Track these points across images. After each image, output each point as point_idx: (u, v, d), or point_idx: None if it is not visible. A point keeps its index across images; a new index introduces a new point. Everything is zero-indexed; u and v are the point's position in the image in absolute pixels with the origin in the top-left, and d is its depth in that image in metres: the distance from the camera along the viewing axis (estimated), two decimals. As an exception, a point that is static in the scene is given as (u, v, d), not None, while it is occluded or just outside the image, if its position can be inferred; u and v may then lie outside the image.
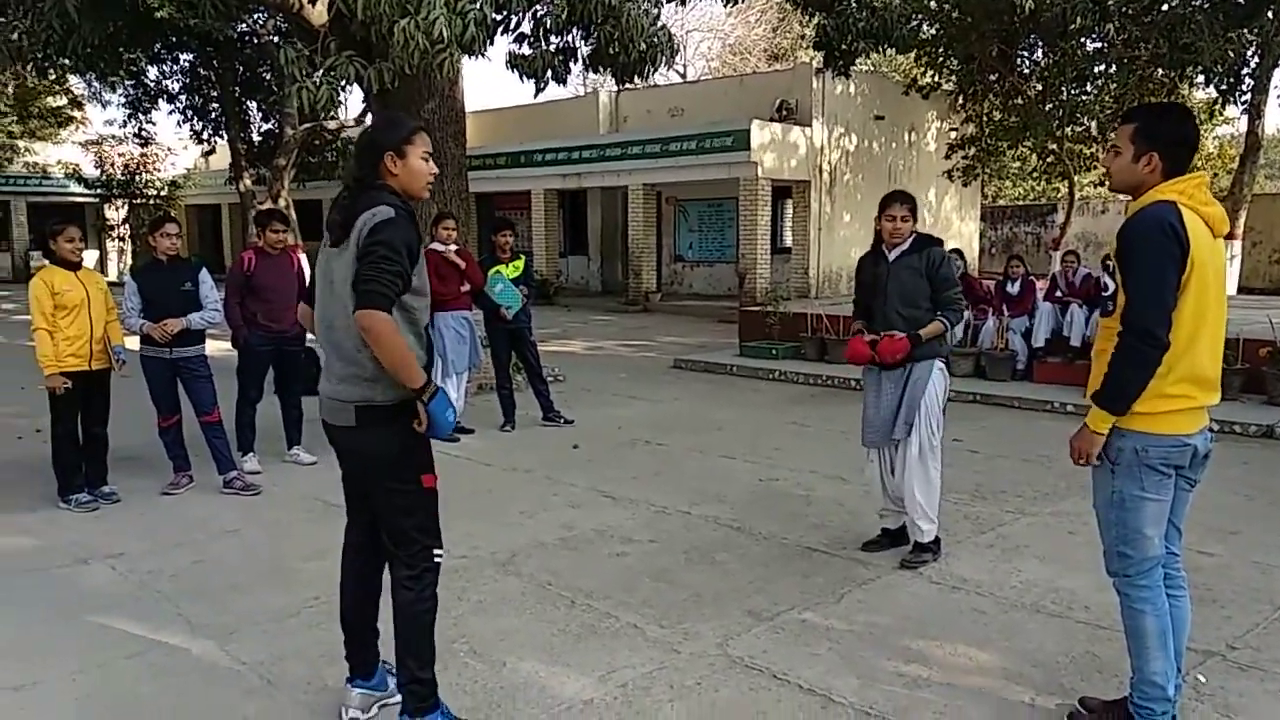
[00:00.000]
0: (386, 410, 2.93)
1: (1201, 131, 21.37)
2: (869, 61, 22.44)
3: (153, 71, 21.49)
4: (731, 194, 19.23)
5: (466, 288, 7.58)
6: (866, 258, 4.88)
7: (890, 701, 3.33)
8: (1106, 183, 3.10)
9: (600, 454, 7.13)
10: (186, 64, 21.34)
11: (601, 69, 8.84)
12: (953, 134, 20.94)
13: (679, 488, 6.13)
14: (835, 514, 5.57)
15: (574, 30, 8.38)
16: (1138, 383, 2.81)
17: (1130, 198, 2.98)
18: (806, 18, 12.62)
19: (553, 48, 8.45)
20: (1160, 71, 17.33)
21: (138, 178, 29.40)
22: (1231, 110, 18.44)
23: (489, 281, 7.67)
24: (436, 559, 3.08)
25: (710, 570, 4.66)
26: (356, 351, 2.90)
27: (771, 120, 18.74)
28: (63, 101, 28.78)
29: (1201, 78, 17.35)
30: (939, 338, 4.67)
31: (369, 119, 10.36)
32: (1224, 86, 17.17)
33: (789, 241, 20.32)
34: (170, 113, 22.72)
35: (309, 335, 6.82)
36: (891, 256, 4.71)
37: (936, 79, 19.76)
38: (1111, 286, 2.98)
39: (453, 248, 7.44)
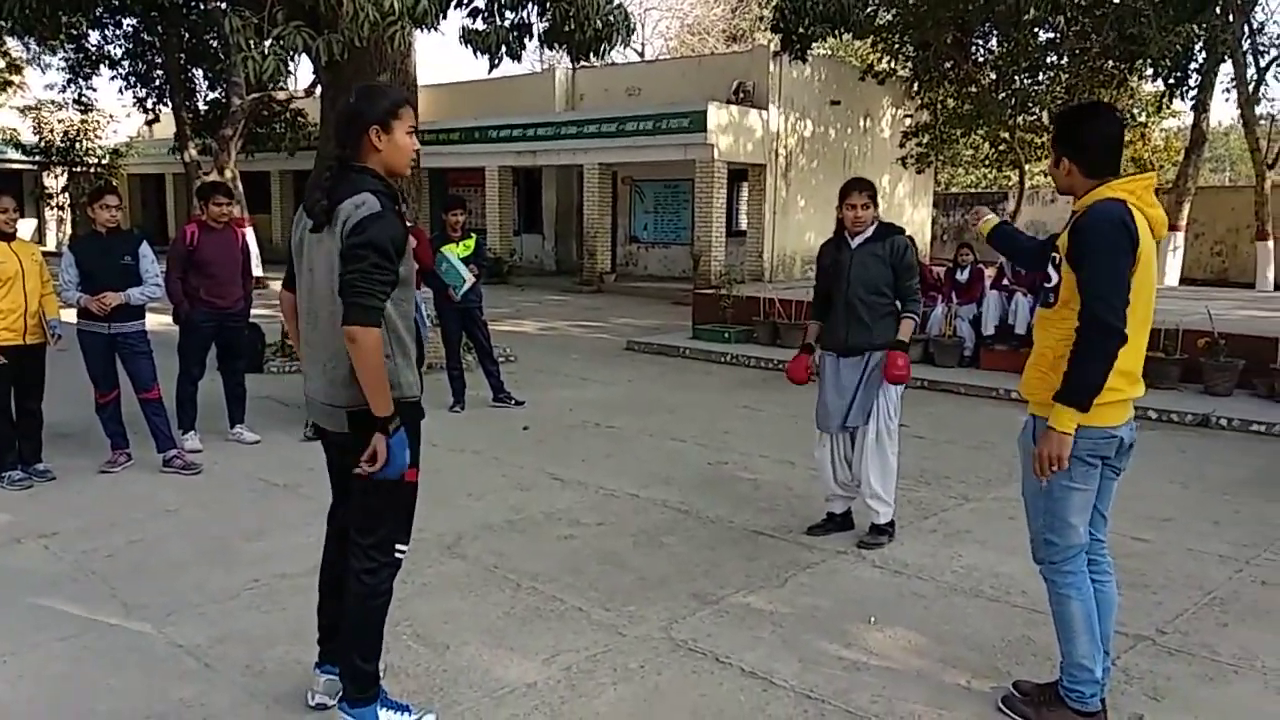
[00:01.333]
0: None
1: (1150, 124, 21.86)
2: (826, 46, 22.52)
3: (94, 36, 20.87)
4: (687, 175, 19.22)
5: (416, 267, 7.49)
6: (828, 244, 4.90)
7: (830, 684, 3.37)
8: (1056, 187, 3.18)
9: (550, 436, 7.11)
10: (130, 29, 20.73)
11: (557, 46, 8.75)
12: (907, 121, 21.12)
13: (628, 470, 6.13)
14: (782, 498, 5.61)
15: (529, 6, 8.29)
16: (1102, 376, 2.85)
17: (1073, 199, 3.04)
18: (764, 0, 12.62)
19: (507, 23, 8.34)
20: (1110, 63, 17.62)
21: (78, 145, 28.54)
22: (1179, 104, 18.83)
23: (436, 261, 7.57)
24: (399, 554, 3.01)
25: (657, 553, 4.67)
26: (344, 351, 2.76)
27: (729, 102, 18.74)
28: (0, 65, 27.81)
29: (1150, 70, 17.68)
30: (898, 327, 4.72)
31: (319, 91, 10.13)
32: (1171, 80, 17.51)
33: (744, 225, 20.38)
34: (112, 79, 22.13)
35: (252, 311, 6.74)
36: (854, 244, 4.74)
37: (892, 65, 19.89)
38: (1055, 279, 3.01)
39: (404, 225, 7.35)
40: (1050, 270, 3.05)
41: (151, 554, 4.55)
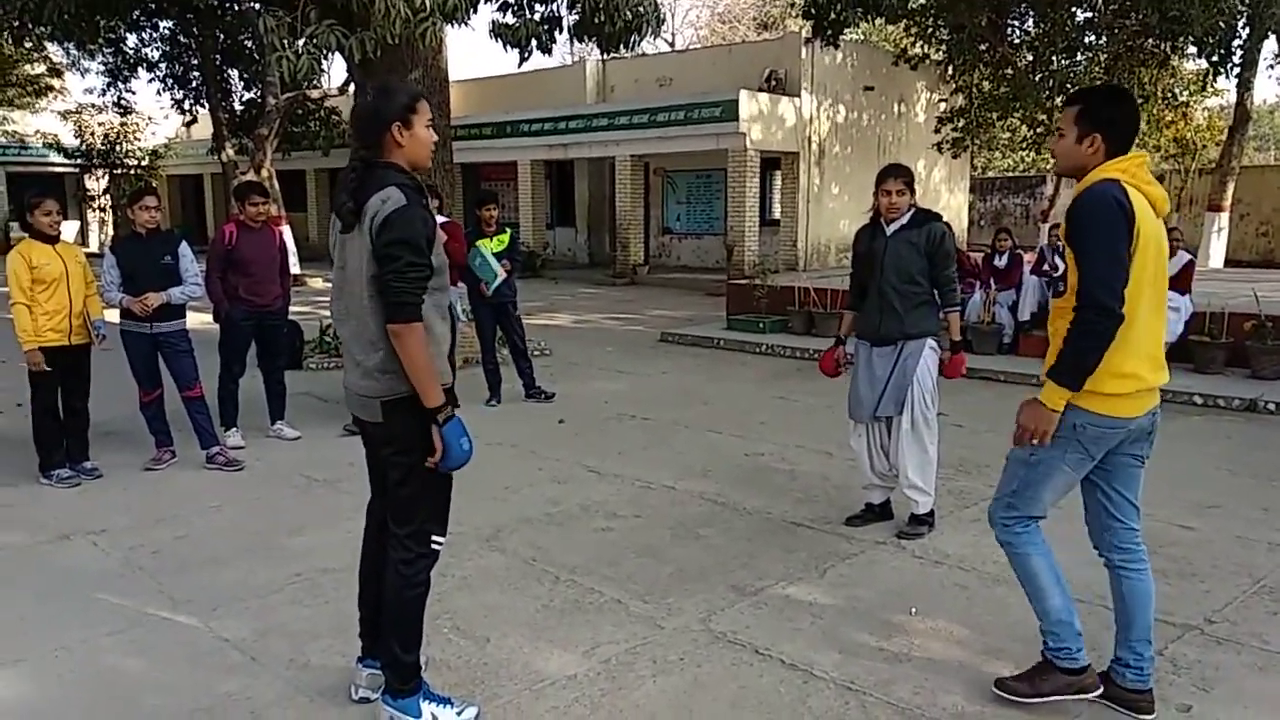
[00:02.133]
0: (413, 400, 2.84)
1: (1191, 103, 21.42)
2: (858, 31, 22.30)
3: (132, 39, 21.22)
4: (720, 165, 19.13)
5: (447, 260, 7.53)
6: (864, 230, 4.83)
7: (871, 675, 3.35)
8: (1053, 165, 3.10)
9: (586, 428, 7.12)
10: (166, 31, 21.06)
11: (587, 38, 8.74)
12: (942, 105, 20.85)
13: (665, 462, 6.13)
14: (820, 488, 5.58)
15: (559, -2, 8.29)
16: (1094, 357, 2.80)
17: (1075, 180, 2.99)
18: (795, -13, 12.52)
19: (537, 16, 8.35)
20: (1150, 42, 17.26)
21: (118, 147, 29.06)
22: (1222, 82, 18.41)
23: (470, 256, 7.59)
24: (435, 546, 3.03)
25: (694, 545, 4.67)
26: (379, 342, 2.83)
27: (760, 90, 18.61)
28: (41, 70, 28.34)
29: (1193, 49, 17.29)
30: (933, 316, 4.67)
31: (352, 89, 10.22)
32: (1215, 58, 17.11)
33: (777, 214, 20.26)
34: (150, 81, 22.46)
35: (290, 308, 6.81)
36: (890, 230, 4.67)
37: (926, 49, 19.64)
38: (1062, 267, 2.97)
39: (440, 219, 7.38)
40: (1058, 259, 3.01)
41: (197, 549, 4.62)
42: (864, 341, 4.80)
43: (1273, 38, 17.06)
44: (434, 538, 3.02)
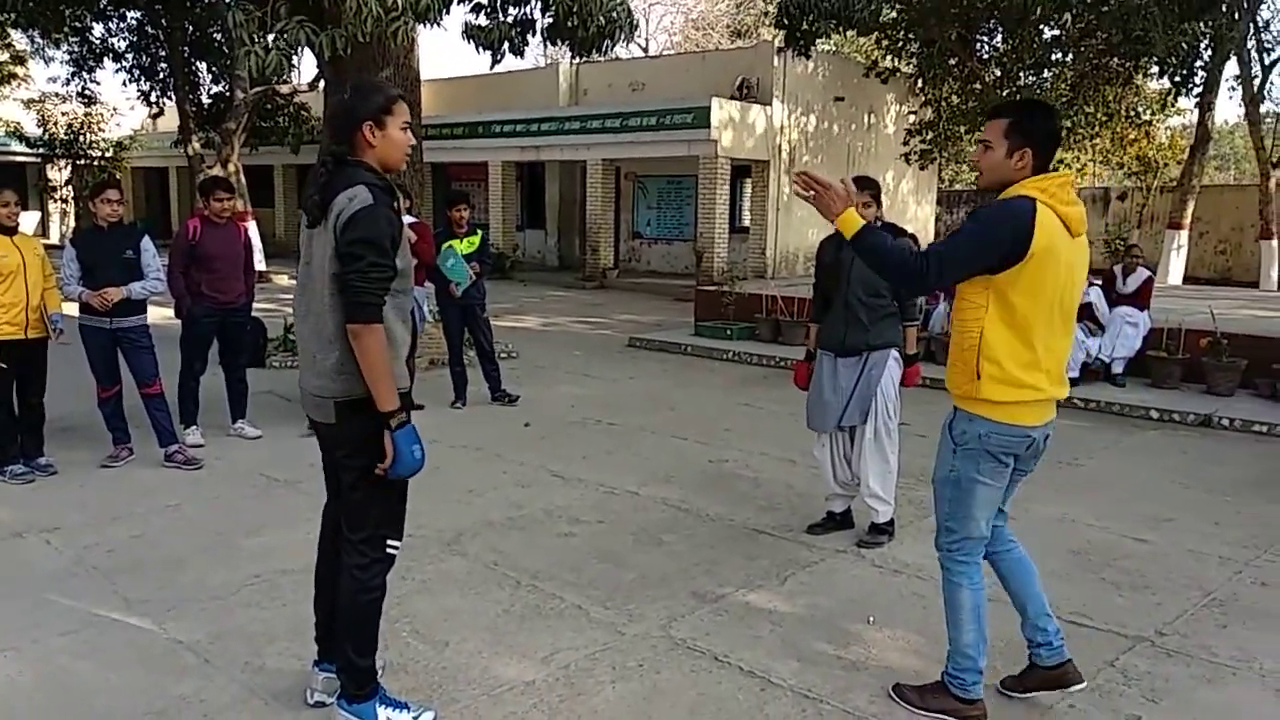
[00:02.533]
0: (367, 402, 2.80)
1: (1155, 122, 21.78)
2: (830, 42, 22.48)
3: (98, 28, 20.88)
4: (690, 171, 19.19)
5: (415, 261, 7.49)
6: (829, 241, 4.78)
7: (828, 684, 3.38)
8: (977, 179, 3.16)
9: (551, 432, 7.11)
10: (133, 21, 20.75)
11: (560, 42, 8.74)
12: (911, 117, 21.06)
13: (629, 468, 6.13)
14: (783, 496, 5.61)
15: (532, 2, 8.28)
16: (887, 264, 2.98)
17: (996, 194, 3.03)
18: (769, -4, 12.60)
19: (510, 19, 8.33)
20: (1115, 60, 17.56)
21: (82, 138, 28.54)
22: (1184, 102, 18.78)
23: (440, 256, 7.55)
24: (390, 550, 3.01)
25: (656, 551, 4.67)
26: (335, 342, 2.81)
27: (732, 98, 18.69)
28: (3, 57, 27.80)
29: (1155, 69, 17.62)
30: (896, 328, 4.73)
31: (323, 85, 10.14)
32: (1177, 78, 17.46)
33: (747, 221, 20.35)
34: (116, 71, 22.13)
35: (254, 305, 6.73)
36: None
37: (896, 63, 19.85)
38: None
39: (409, 219, 7.33)
40: None
41: (153, 549, 4.56)
42: (828, 352, 4.81)
43: (1234, 59, 17.39)
44: (389, 542, 3.00)
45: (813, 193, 3.00)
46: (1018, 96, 18.29)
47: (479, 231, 7.90)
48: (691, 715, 3.17)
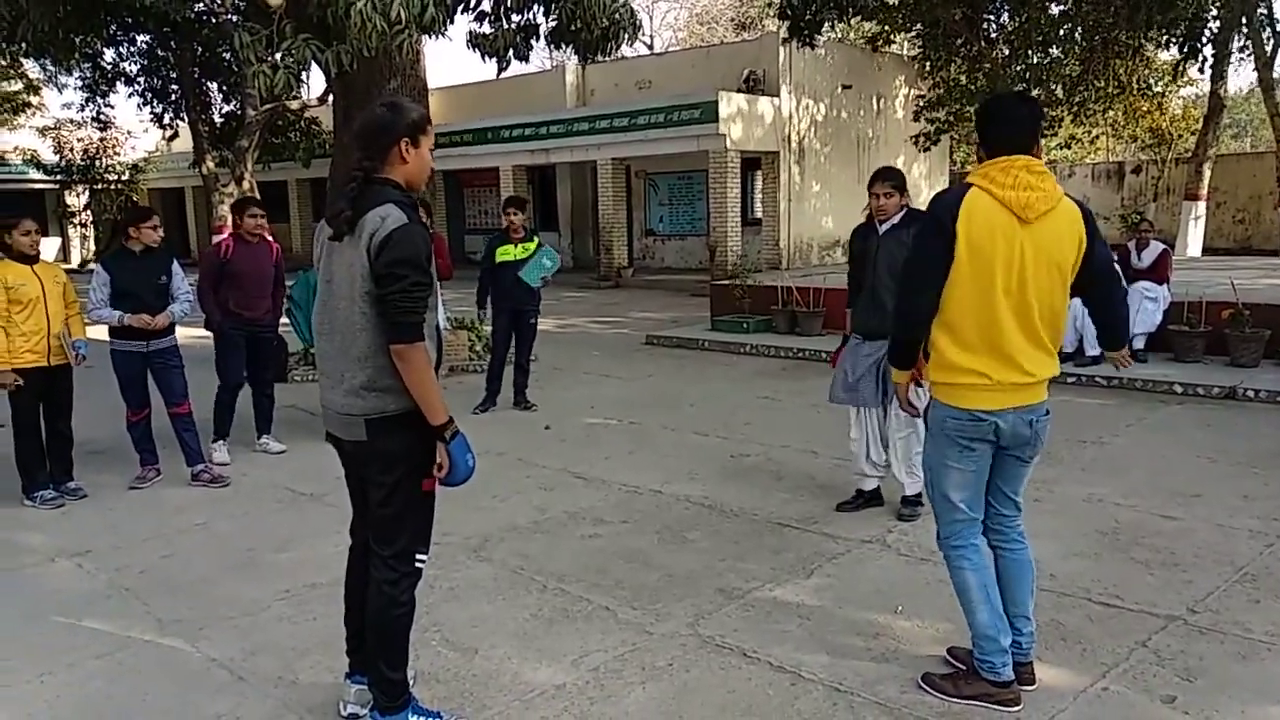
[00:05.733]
0: (398, 418, 2.84)
1: (1167, 93, 21.54)
2: (835, 30, 22.37)
3: (109, 54, 21.07)
4: (701, 166, 19.16)
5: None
6: (858, 230, 5.06)
7: (858, 676, 3.37)
8: None
9: (572, 434, 7.13)
10: (144, 45, 20.91)
11: (564, 46, 8.75)
12: (919, 100, 20.95)
13: (651, 467, 6.14)
14: (806, 488, 5.60)
15: (535, 7, 8.28)
16: (890, 329, 3.26)
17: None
18: (771, -13, 12.56)
19: (513, 25, 8.34)
20: (1124, 34, 17.40)
21: (98, 162, 28.89)
22: (1195, 72, 18.58)
23: (530, 267, 7.45)
24: (419, 564, 3.03)
25: (682, 549, 4.68)
26: (366, 360, 2.82)
27: (739, 91, 18.65)
28: (18, 87, 28.14)
29: (1164, 39, 17.45)
30: None
31: (331, 100, 10.20)
32: (1185, 49, 17.28)
33: (760, 213, 20.31)
34: (129, 95, 22.36)
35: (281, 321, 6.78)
36: (882, 230, 4.87)
37: (897, 40, 19.78)
38: None
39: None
40: None
41: (183, 568, 4.61)
42: (858, 336, 4.97)
43: (1244, 27, 17.18)
44: (418, 556, 3.02)
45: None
46: (1027, 75, 18.19)
47: (535, 237, 7.78)
48: (722, 713, 3.18)
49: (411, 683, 3.13)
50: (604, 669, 3.48)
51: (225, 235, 6.45)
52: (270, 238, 6.60)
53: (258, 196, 17.32)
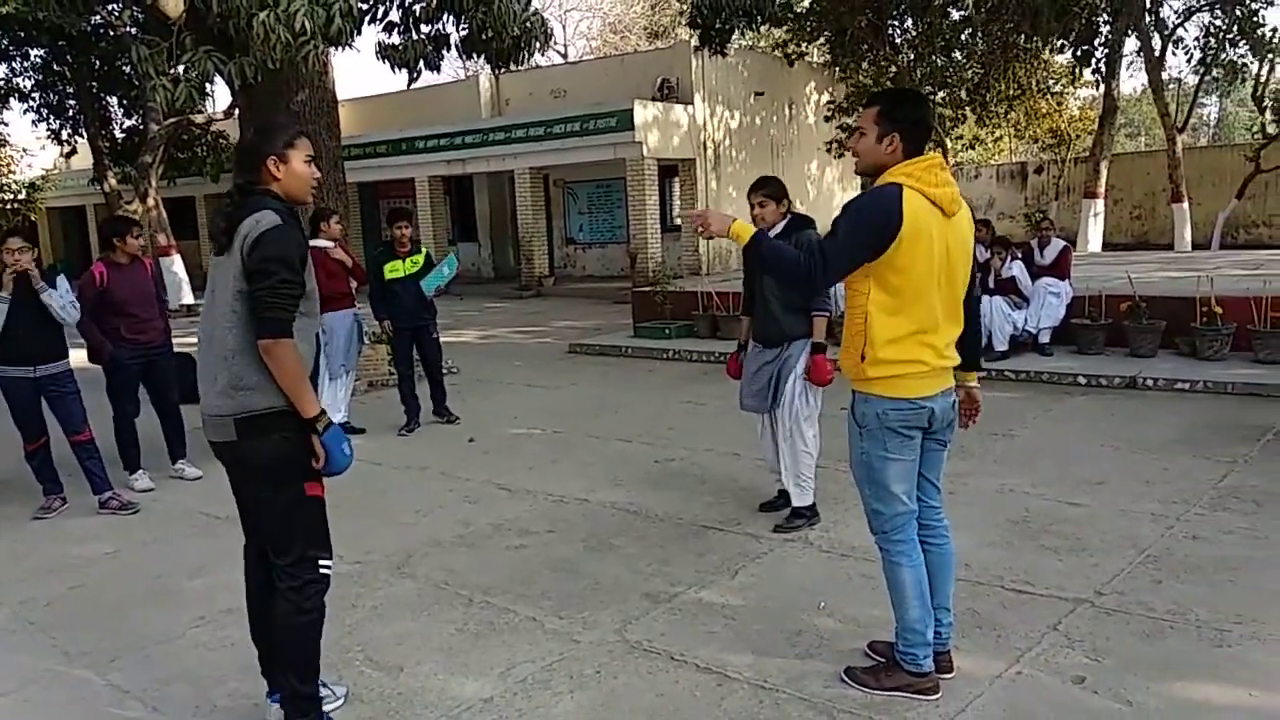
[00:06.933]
0: (266, 418, 2.87)
1: (1065, 94, 22.35)
2: (745, 37, 22.68)
3: (1, 69, 20.26)
4: (619, 174, 19.24)
5: (353, 284, 7.39)
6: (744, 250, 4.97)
7: (783, 673, 3.43)
8: (855, 165, 3.29)
9: (496, 446, 7.08)
10: (38, 59, 20.18)
11: (476, 55, 8.71)
12: (830, 106, 21.39)
13: (576, 475, 6.14)
14: (729, 490, 5.67)
15: (445, 17, 8.23)
16: (779, 269, 3.14)
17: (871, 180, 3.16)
18: (681, -4, 12.67)
19: (423, 35, 8.28)
20: (1022, 39, 18.04)
21: (-8, 182, 27.69)
22: (1089, 74, 19.32)
23: (430, 276, 7.35)
24: (323, 570, 3.02)
25: (608, 556, 4.69)
26: (232, 358, 2.85)
27: (654, 99, 18.79)
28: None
29: (1058, 43, 18.15)
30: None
31: (238, 113, 9.97)
32: (1079, 53, 17.98)
33: (678, 220, 20.46)
34: (25, 112, 21.53)
35: (175, 340, 6.57)
36: None
37: (808, 48, 20.16)
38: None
39: (331, 244, 7.21)
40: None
41: (92, 599, 4.45)
42: (756, 344, 5.02)
43: (1132, 33, 17.96)
44: (321, 561, 3.02)
45: (699, 227, 3.18)
46: (933, 78, 18.73)
47: (423, 250, 7.68)
48: (651, 718, 3.19)
49: (342, 702, 3.09)
50: (531, 680, 3.46)
51: (97, 264, 6.13)
52: (165, 253, 6.40)
53: (152, 214, 16.82)
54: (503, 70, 8.96)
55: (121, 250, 6.08)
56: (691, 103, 19.16)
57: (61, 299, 5.56)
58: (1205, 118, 41.41)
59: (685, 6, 13.60)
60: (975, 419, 3.48)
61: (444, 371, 8.08)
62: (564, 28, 39.53)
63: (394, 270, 7.45)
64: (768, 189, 4.80)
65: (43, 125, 21.43)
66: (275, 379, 2.83)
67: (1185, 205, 19.15)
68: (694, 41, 17.84)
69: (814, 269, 2.99)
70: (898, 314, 3.01)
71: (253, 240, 2.80)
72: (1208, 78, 20.10)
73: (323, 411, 2.90)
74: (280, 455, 2.90)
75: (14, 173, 28.07)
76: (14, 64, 20.26)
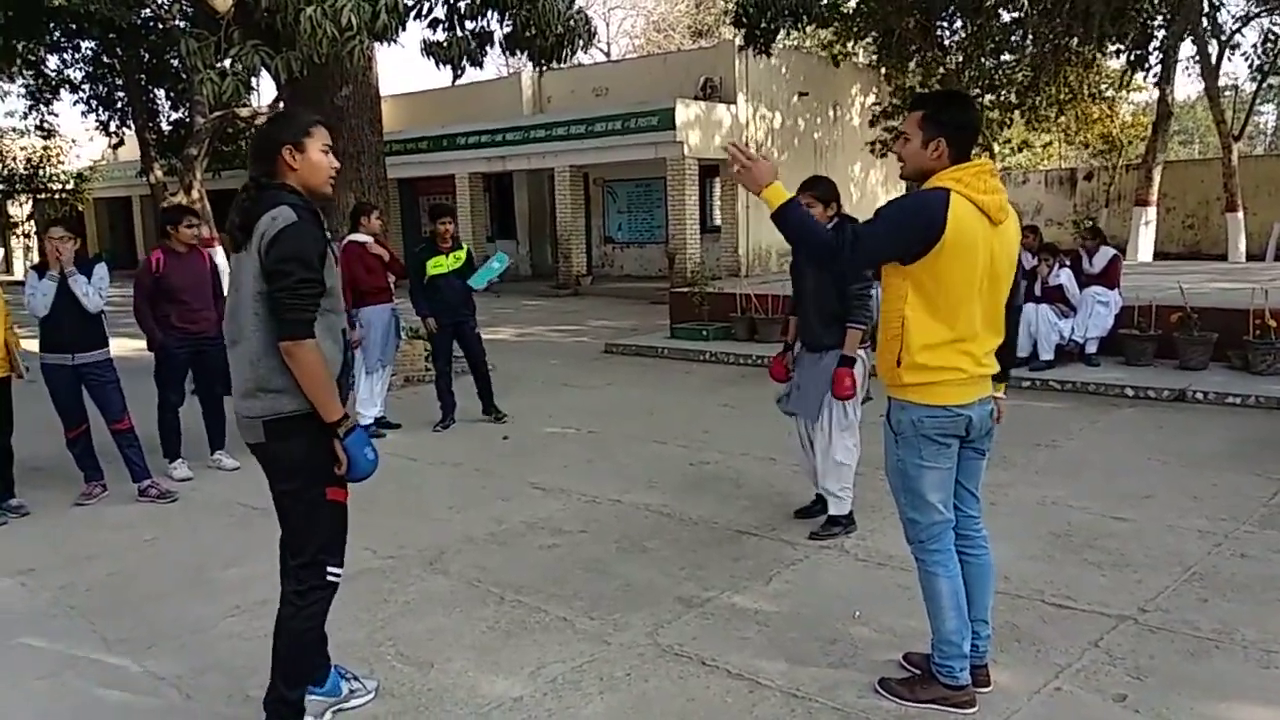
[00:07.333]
0: (294, 420, 2.83)
1: (1117, 100, 22.02)
2: (790, 37, 22.56)
3: (53, 61, 20.70)
4: (659, 174, 19.21)
5: (391, 279, 7.44)
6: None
7: (816, 682, 3.37)
8: (900, 169, 3.21)
9: (531, 444, 7.08)
10: (89, 52, 20.57)
11: (519, 52, 8.72)
12: (875, 108, 21.20)
13: (610, 475, 6.12)
14: (765, 495, 5.61)
15: (489, 14, 8.25)
16: (806, 240, 3.03)
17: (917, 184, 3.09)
18: (726, -5, 12.63)
19: (468, 32, 8.30)
20: (1075, 42, 17.75)
21: (41, 171, 28.27)
22: (1142, 79, 19.00)
23: (478, 274, 7.39)
24: (330, 578, 2.98)
25: (641, 558, 4.66)
26: (259, 361, 2.81)
27: (696, 98, 18.74)
28: (-41, 94, 27.47)
29: (1113, 48, 17.83)
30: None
31: (282, 107, 10.08)
32: (1133, 58, 17.65)
33: (718, 220, 20.39)
34: (75, 103, 21.98)
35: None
36: None
37: (854, 49, 20.02)
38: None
39: (370, 239, 7.25)
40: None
41: (130, 586, 4.50)
42: (803, 345, 4.94)
43: (1190, 37, 17.61)
44: (329, 569, 2.97)
45: (738, 166, 3.04)
46: (980, 81, 18.49)
47: (464, 246, 7.67)
48: (681, 722, 3.16)
49: (373, 695, 3.11)
50: (561, 680, 3.44)
51: (155, 250, 6.24)
52: (209, 244, 6.48)
53: (196, 206, 17.06)
54: (546, 68, 8.97)
55: (177, 239, 6.17)
56: (734, 102, 19.08)
57: (87, 285, 5.61)
58: (1262, 126, 40.48)
59: (730, 5, 13.55)
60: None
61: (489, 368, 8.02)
62: (607, 25, 39.58)
63: (437, 266, 7.45)
64: (817, 190, 4.68)
65: (91, 117, 21.87)
66: (299, 381, 2.78)
67: (1240, 215, 18.74)
68: (738, 41, 17.80)
69: (843, 247, 2.93)
70: (936, 319, 2.95)
71: (270, 239, 2.74)
72: (1265, 85, 19.64)
73: (346, 415, 2.84)
74: (305, 457, 2.86)
75: (63, 163, 28.65)
76: (65, 56, 20.69)
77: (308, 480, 2.88)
